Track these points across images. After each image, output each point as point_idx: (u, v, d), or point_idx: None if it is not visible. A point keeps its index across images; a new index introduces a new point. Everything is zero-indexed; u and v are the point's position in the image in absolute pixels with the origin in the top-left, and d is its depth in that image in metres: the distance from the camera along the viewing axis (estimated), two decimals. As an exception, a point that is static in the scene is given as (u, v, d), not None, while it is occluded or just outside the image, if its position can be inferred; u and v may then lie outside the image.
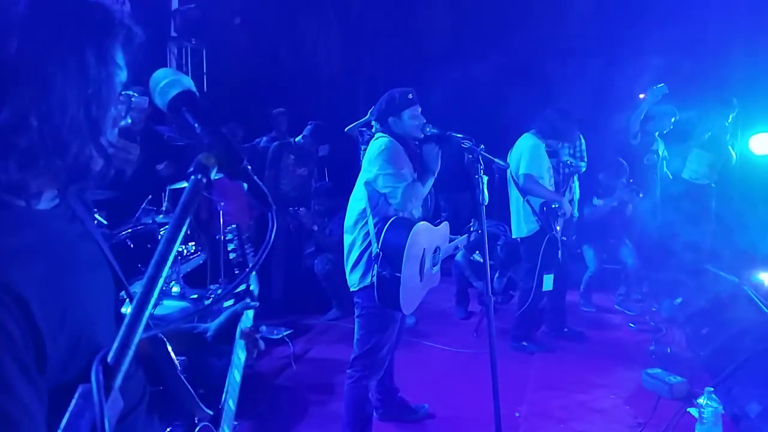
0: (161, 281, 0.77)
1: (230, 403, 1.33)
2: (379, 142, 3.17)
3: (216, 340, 1.38)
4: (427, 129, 3.16)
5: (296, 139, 6.21)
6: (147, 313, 0.75)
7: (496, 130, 4.83)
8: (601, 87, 7.63)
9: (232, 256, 1.59)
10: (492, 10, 7.81)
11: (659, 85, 5.53)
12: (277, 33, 7.39)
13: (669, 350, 4.61)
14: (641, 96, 7.03)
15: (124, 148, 1.05)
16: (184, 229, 0.81)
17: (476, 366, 4.26)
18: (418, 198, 3.10)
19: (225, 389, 1.34)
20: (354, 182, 3.29)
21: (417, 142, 3.24)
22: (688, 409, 3.65)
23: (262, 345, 1.45)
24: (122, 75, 0.96)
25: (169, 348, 1.18)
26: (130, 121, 0.99)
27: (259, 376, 4.16)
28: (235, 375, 1.39)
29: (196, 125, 0.90)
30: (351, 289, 3.17)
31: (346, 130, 6.61)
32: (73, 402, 0.72)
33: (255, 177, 0.91)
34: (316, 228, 5.67)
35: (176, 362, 1.18)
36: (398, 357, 3.70)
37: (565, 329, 5.13)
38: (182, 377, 1.19)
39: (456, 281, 5.90)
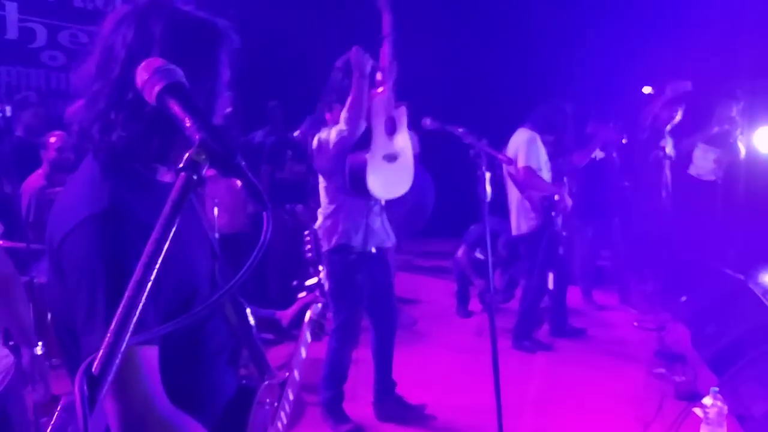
0: (150, 285, 0.72)
1: (295, 374, 1.55)
2: (322, 130, 3.46)
3: (290, 325, 1.68)
4: (428, 122, 3.16)
5: (294, 134, 6.15)
6: (133, 320, 0.71)
7: (497, 125, 4.76)
8: (603, 82, 7.58)
9: (308, 255, 1.84)
10: (493, 3, 7.75)
11: (684, 81, 5.46)
12: (273, 25, 7.32)
13: (673, 349, 4.56)
14: (645, 90, 6.97)
15: None
16: (174, 228, 0.76)
17: (478, 366, 4.21)
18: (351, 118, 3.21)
19: (292, 363, 1.56)
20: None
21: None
22: (693, 409, 3.60)
23: (326, 330, 1.71)
24: (226, 74, 1.22)
25: (248, 312, 1.39)
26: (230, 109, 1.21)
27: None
28: (302, 352, 1.62)
29: (186, 119, 0.85)
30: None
31: None
32: (56, 414, 0.68)
33: (249, 174, 0.86)
34: (315, 226, 5.62)
35: (253, 326, 1.39)
36: (398, 356, 3.65)
37: (568, 327, 5.09)
38: (258, 340, 1.40)
39: (457, 279, 5.85)
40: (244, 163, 0.84)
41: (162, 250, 0.74)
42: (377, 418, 3.60)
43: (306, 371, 1.58)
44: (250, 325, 1.38)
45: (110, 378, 0.69)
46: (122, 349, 0.70)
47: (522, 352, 4.71)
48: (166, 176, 1.21)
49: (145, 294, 0.72)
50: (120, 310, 0.71)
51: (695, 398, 3.70)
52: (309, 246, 1.83)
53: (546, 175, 4.69)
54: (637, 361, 4.49)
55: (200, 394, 1.24)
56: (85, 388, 0.68)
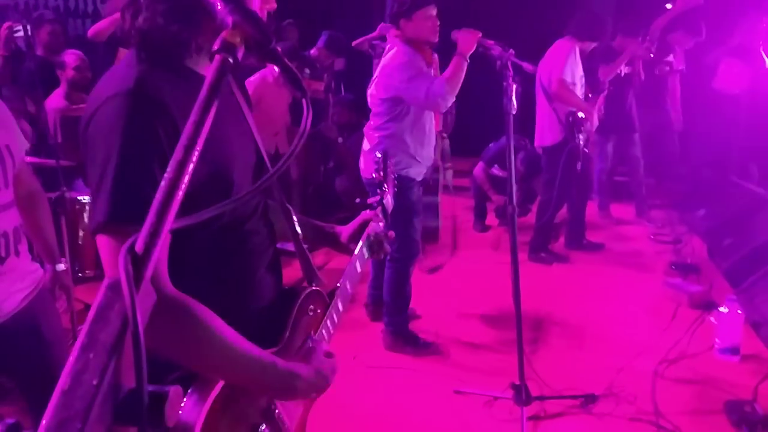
0: (191, 166, 0.72)
1: (347, 285, 1.51)
2: (393, 53, 3.24)
3: (349, 239, 1.60)
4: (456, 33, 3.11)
5: (310, 52, 6.00)
6: (177, 199, 0.70)
7: (517, 35, 4.62)
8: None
9: (374, 175, 1.81)
10: None
11: None
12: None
13: (690, 261, 4.59)
14: (668, 5, 6.70)
15: None
16: (212, 112, 0.74)
17: (496, 276, 4.28)
18: (447, 95, 3.12)
19: (345, 274, 1.51)
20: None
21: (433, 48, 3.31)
22: (708, 317, 3.66)
23: (387, 248, 1.65)
24: None
25: (295, 219, 1.37)
26: None
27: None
28: (357, 266, 1.56)
29: (218, 1, 0.82)
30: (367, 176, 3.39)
31: (353, 44, 6.37)
32: (100, 293, 0.69)
33: (285, 59, 0.84)
34: (341, 140, 5.57)
35: (299, 233, 1.37)
36: (415, 271, 3.70)
37: (584, 241, 5.12)
38: (304, 246, 1.37)
39: (474, 195, 5.85)
40: (280, 48, 0.82)
41: (200, 132, 0.73)
42: (371, 320, 3.75)
43: (327, 281, 1.50)
44: (297, 232, 1.37)
45: (155, 258, 0.70)
46: (166, 229, 0.71)
47: (538, 264, 4.76)
48: (200, 66, 1.18)
49: (188, 175, 0.72)
50: (160, 190, 0.71)
51: (710, 307, 3.77)
52: (377, 167, 1.80)
53: (579, 90, 4.60)
54: (652, 272, 4.54)
55: (239, 292, 1.24)
56: (130, 266, 0.68)
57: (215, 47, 0.77)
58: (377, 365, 3.29)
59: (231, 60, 0.77)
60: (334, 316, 1.44)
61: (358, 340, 3.52)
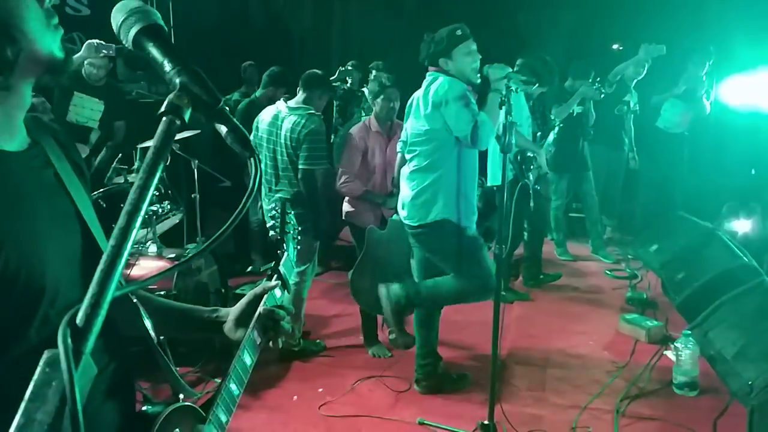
0: (135, 233, 0.69)
1: (232, 387, 1.19)
2: (441, 84, 3.00)
3: (237, 323, 1.27)
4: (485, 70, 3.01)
5: (255, 95, 5.98)
6: (120, 269, 0.68)
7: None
8: (573, 39, 7.54)
9: (271, 233, 1.49)
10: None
11: (658, 45, 5.45)
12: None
13: (645, 296, 4.67)
14: (615, 47, 6.96)
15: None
16: (158, 175, 0.72)
17: (462, 317, 4.27)
18: (490, 133, 2.98)
19: (229, 371, 1.20)
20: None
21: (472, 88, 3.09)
22: (665, 352, 3.72)
23: (287, 328, 1.28)
24: None
25: (147, 324, 1.11)
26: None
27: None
28: (245, 358, 1.22)
29: (165, 62, 0.81)
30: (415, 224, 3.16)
31: None
32: (39, 369, 0.65)
33: (234, 119, 0.83)
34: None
35: (153, 336, 1.10)
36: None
37: (541, 276, 5.18)
38: (160, 351, 1.10)
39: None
40: (227, 108, 0.81)
41: (146, 197, 0.71)
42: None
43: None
44: (150, 336, 1.10)
45: (96, 331, 0.67)
46: (108, 300, 0.68)
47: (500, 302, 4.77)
48: None
49: (130, 242, 0.69)
50: (104, 259, 0.68)
51: (666, 342, 3.83)
52: (273, 222, 1.48)
53: (527, 131, 4.70)
54: (610, 309, 4.60)
55: None
56: (69, 340, 0.64)
57: (162, 109, 0.76)
58: (341, 414, 3.22)
59: (178, 122, 0.76)
60: None
61: (323, 385, 3.46)
